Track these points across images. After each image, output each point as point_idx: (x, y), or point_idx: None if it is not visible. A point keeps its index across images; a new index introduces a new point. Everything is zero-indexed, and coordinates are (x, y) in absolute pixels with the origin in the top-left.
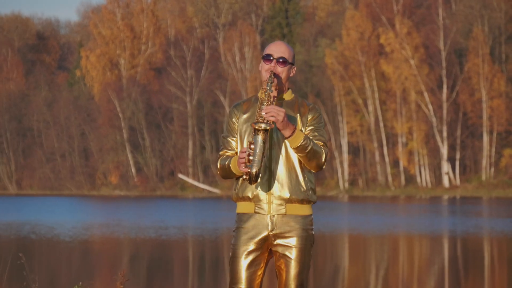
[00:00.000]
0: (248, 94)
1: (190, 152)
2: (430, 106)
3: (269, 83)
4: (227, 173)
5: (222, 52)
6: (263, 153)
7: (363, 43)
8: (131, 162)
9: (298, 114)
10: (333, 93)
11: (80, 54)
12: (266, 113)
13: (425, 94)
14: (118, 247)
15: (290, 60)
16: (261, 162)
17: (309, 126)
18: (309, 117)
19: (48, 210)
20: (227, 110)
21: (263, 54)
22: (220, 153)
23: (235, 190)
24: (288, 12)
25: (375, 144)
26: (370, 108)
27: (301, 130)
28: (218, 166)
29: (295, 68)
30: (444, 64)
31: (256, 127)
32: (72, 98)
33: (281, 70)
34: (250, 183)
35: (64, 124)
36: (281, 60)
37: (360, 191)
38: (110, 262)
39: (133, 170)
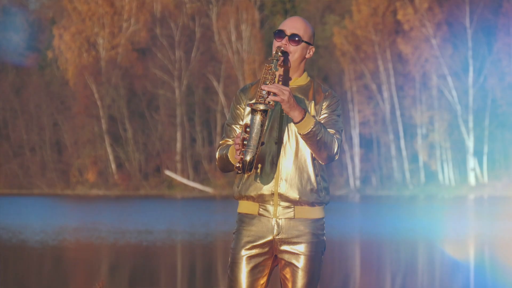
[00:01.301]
0: (245, 78)
1: (178, 145)
2: (454, 92)
3: (274, 60)
4: (225, 164)
5: (215, 31)
6: (260, 137)
7: (377, 20)
8: (111, 157)
9: (312, 102)
10: (343, 77)
11: (52, 32)
12: (267, 91)
13: (449, 78)
14: (96, 254)
15: (305, 38)
16: (257, 149)
17: (323, 114)
18: (324, 104)
19: (15, 211)
20: (221, 96)
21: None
22: (220, 142)
23: (237, 187)
24: None
25: (391, 136)
26: (385, 94)
27: (313, 116)
28: (217, 156)
29: (313, 49)
30: (470, 44)
31: (254, 107)
32: (43, 83)
33: (294, 49)
34: (243, 172)
35: (34, 113)
36: (295, 38)
37: (374, 190)
38: (86, 272)
39: (113, 166)
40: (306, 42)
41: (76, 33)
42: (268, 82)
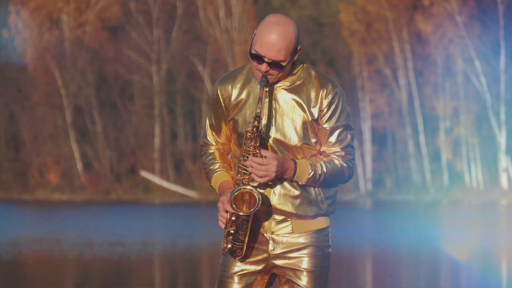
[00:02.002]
0: (236, 62)
1: (156, 141)
2: (482, 79)
3: (255, 121)
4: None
5: (200, 6)
6: (247, 230)
7: None
8: (77, 155)
9: (307, 106)
10: (351, 61)
11: (8, 8)
12: (252, 167)
13: (476, 63)
14: (58, 270)
15: (289, 58)
16: (244, 242)
17: (323, 122)
18: (323, 106)
19: None
20: (207, 84)
21: (251, 48)
22: (201, 143)
23: None
24: None
25: (409, 131)
26: (402, 81)
27: (305, 161)
28: (203, 164)
29: (300, 48)
30: (501, 22)
31: (235, 206)
32: None
33: (276, 73)
34: (233, 257)
35: None
36: (275, 64)
37: (388, 194)
38: None
39: (79, 165)
40: (289, 61)
41: (36, 9)
42: (250, 151)
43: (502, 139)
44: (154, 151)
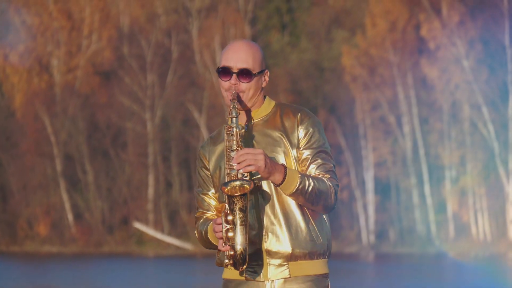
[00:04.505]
0: None
1: (150, 191)
2: (490, 126)
3: (233, 118)
4: (208, 245)
5: (196, 50)
6: (246, 226)
7: (396, 37)
8: (67, 206)
9: (284, 134)
10: (354, 107)
11: None
12: (238, 163)
13: (484, 109)
14: None
15: (257, 69)
16: (246, 240)
17: (303, 149)
18: (301, 133)
19: None
20: (203, 131)
21: (219, 66)
22: (196, 215)
23: (218, 253)
24: None
25: (413, 180)
26: (406, 128)
27: (294, 169)
28: (196, 234)
29: (268, 73)
30: (510, 66)
31: (228, 191)
32: None
33: (247, 87)
34: (237, 268)
35: None
36: (244, 73)
37: (392, 246)
38: None
39: (70, 216)
40: (258, 73)
41: (25, 52)
42: (234, 148)
43: (510, 189)
44: (148, 202)
